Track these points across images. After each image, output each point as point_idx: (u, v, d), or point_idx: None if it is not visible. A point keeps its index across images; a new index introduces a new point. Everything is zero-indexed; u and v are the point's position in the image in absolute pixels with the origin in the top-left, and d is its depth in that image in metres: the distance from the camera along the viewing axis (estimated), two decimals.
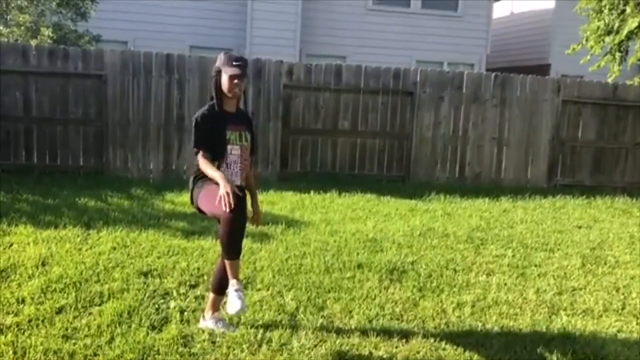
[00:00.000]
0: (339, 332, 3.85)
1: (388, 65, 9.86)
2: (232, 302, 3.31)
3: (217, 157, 3.52)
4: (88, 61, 8.65)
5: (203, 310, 3.90)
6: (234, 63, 3.48)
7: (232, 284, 3.36)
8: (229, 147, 3.54)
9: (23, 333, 3.56)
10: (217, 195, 3.24)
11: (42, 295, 4.12)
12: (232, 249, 3.34)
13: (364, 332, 3.85)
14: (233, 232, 3.29)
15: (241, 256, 3.65)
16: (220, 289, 3.68)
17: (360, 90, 9.48)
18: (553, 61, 16.41)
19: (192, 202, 3.68)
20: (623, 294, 4.99)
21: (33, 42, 9.44)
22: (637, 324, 4.36)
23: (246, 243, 5.38)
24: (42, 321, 3.72)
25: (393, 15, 14.84)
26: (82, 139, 8.76)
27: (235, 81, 3.49)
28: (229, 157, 3.56)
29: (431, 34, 14.95)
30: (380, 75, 9.54)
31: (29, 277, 4.45)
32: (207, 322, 3.77)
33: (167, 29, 13.26)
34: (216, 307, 3.79)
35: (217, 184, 3.39)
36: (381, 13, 14.79)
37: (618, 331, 4.21)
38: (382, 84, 9.54)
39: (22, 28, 10.36)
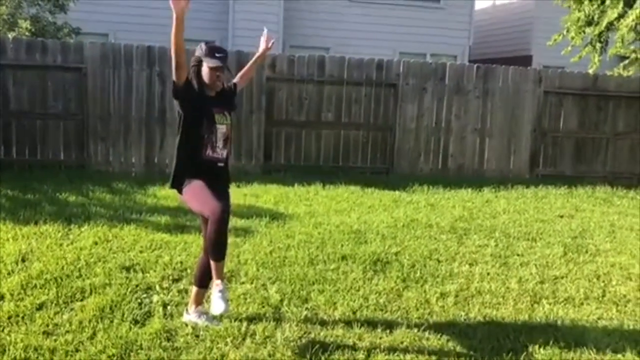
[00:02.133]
0: (323, 323, 3.85)
1: (371, 56, 9.84)
2: (216, 303, 3.34)
3: (205, 133, 3.49)
4: (67, 54, 8.53)
5: (186, 304, 3.88)
6: (216, 55, 3.47)
7: (217, 285, 3.38)
8: (216, 126, 3.54)
9: (3, 330, 3.52)
10: (206, 196, 3.36)
11: (22, 291, 4.07)
12: (218, 250, 3.37)
13: (348, 324, 3.85)
14: (221, 233, 3.33)
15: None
16: (203, 282, 3.68)
17: (343, 82, 9.45)
18: (535, 52, 16.52)
19: (171, 185, 3.61)
20: (603, 281, 5.05)
21: (10, 35, 9.27)
22: (617, 311, 4.42)
23: (230, 236, 5.35)
24: (22, 317, 3.68)
25: (376, 7, 14.81)
26: (63, 133, 8.65)
27: (217, 73, 3.50)
28: (215, 135, 3.54)
29: (414, 26, 14.95)
30: (364, 67, 9.53)
31: (9, 273, 4.39)
32: (190, 315, 3.75)
33: (149, 21, 13.06)
34: (199, 300, 3.78)
35: (202, 179, 3.45)
36: (364, 4, 14.75)
37: (599, 318, 4.26)
38: (366, 76, 9.53)
39: None
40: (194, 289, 3.79)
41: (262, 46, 4.16)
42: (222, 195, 3.50)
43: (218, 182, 3.56)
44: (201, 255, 3.73)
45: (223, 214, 3.30)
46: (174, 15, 3.16)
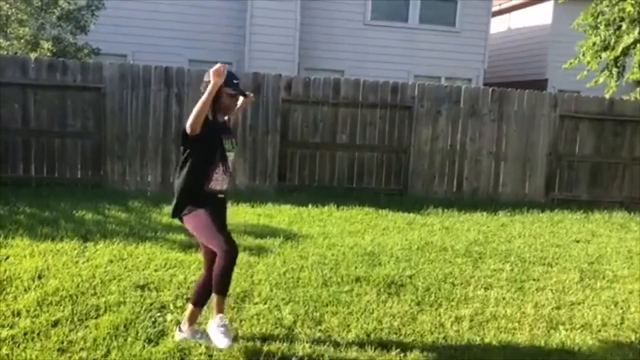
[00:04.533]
0: (336, 346, 3.82)
1: (386, 79, 9.90)
2: (219, 339, 3.42)
3: (216, 162, 3.55)
4: (87, 74, 8.68)
5: (179, 322, 3.86)
6: (234, 81, 3.54)
7: (220, 317, 3.48)
8: (227, 153, 3.60)
9: (18, 346, 3.54)
10: (212, 229, 3.45)
11: (38, 308, 4.10)
12: (224, 285, 3.48)
13: (361, 346, 3.83)
14: (229, 270, 3.43)
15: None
16: (201, 301, 3.71)
17: (358, 104, 9.50)
18: (550, 76, 16.51)
19: (173, 215, 3.66)
20: (621, 308, 4.97)
21: (32, 55, 9.47)
22: (635, 338, 4.34)
23: (243, 256, 5.38)
24: (38, 334, 3.70)
25: (391, 30, 14.93)
26: (80, 152, 8.77)
27: (234, 99, 3.63)
28: (224, 163, 3.60)
29: (429, 49, 15.03)
30: (379, 90, 9.58)
31: (25, 290, 4.43)
32: (184, 334, 3.72)
33: (167, 43, 13.32)
34: (194, 319, 3.76)
35: (205, 209, 3.50)
36: (379, 28, 14.88)
37: (617, 346, 4.19)
38: (380, 98, 9.57)
39: (22, 41, 10.40)
40: (189, 307, 3.76)
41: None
42: (224, 225, 3.60)
43: (219, 210, 3.63)
44: (203, 275, 3.74)
45: (232, 252, 3.40)
46: (213, 83, 3.30)
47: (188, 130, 3.35)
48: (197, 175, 3.54)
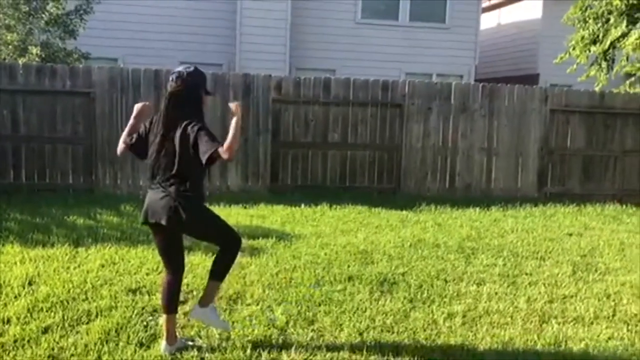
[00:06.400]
0: (329, 346, 3.81)
1: (378, 77, 9.90)
2: (222, 323, 3.81)
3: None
4: (76, 79, 8.65)
5: (167, 337, 3.64)
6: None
7: (216, 305, 3.72)
8: None
9: (8, 354, 3.51)
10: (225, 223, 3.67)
11: (28, 315, 4.07)
12: (227, 273, 3.76)
13: (354, 346, 3.82)
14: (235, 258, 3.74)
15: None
16: (176, 307, 3.70)
17: (349, 103, 9.50)
18: (542, 71, 16.55)
19: (182, 223, 3.45)
20: (614, 300, 4.98)
21: (21, 61, 9.42)
22: (628, 330, 4.35)
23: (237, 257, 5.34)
24: (28, 341, 3.67)
25: (382, 28, 14.93)
26: (71, 157, 8.74)
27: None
28: None
29: (420, 46, 15.03)
30: (369, 88, 9.58)
31: (15, 297, 4.40)
32: (175, 345, 3.62)
33: (157, 45, 13.27)
34: (173, 327, 3.67)
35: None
36: (370, 26, 14.88)
37: (609, 338, 4.19)
38: (371, 96, 9.57)
39: (10, 47, 10.34)
40: (165, 318, 3.62)
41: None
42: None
43: None
44: (169, 279, 3.62)
45: (240, 243, 3.72)
46: (238, 119, 3.37)
47: (226, 156, 3.22)
48: (202, 179, 3.63)
